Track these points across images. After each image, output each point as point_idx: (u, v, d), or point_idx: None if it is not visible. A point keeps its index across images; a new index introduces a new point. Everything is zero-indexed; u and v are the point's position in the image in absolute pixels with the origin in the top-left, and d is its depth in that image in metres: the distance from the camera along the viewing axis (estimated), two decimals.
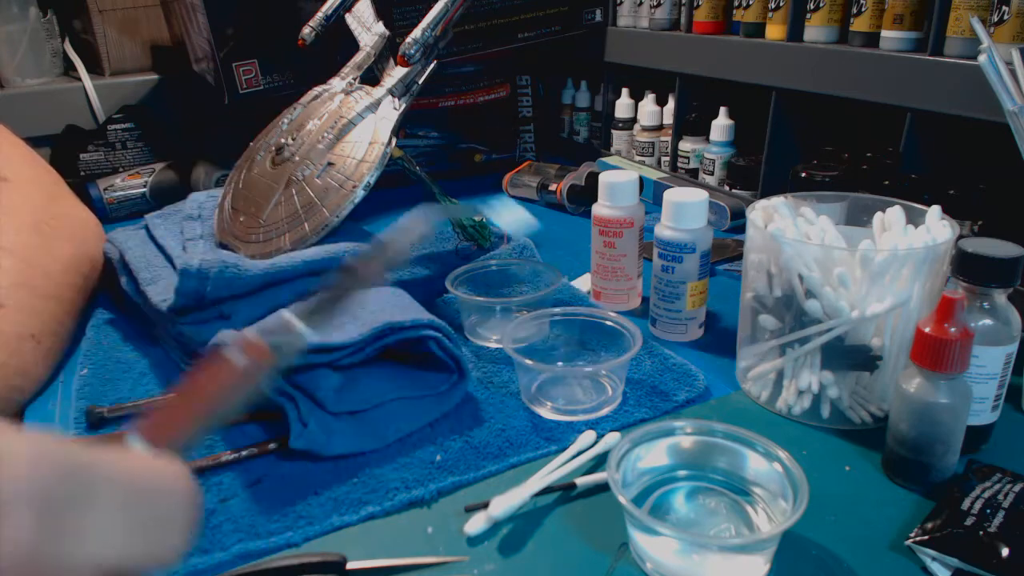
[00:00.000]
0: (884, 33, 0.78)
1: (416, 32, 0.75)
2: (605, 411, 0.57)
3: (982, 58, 0.58)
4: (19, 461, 0.14)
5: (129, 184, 1.05)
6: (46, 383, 0.64)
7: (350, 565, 0.42)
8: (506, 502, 0.46)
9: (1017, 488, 0.46)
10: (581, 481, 0.49)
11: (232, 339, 0.23)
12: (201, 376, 0.21)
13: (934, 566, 0.42)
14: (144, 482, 0.16)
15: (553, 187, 1.05)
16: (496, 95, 1.22)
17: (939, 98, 0.73)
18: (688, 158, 1.10)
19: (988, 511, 0.44)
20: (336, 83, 0.82)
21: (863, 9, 0.80)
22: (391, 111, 0.75)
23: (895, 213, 0.57)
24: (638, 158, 1.19)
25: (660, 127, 1.16)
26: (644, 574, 0.43)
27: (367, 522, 0.47)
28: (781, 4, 0.88)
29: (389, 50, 0.82)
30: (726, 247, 0.88)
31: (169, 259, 0.71)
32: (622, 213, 0.71)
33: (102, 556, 0.14)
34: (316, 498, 0.48)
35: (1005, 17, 0.66)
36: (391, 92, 0.76)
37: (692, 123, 1.09)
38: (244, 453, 0.52)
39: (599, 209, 0.72)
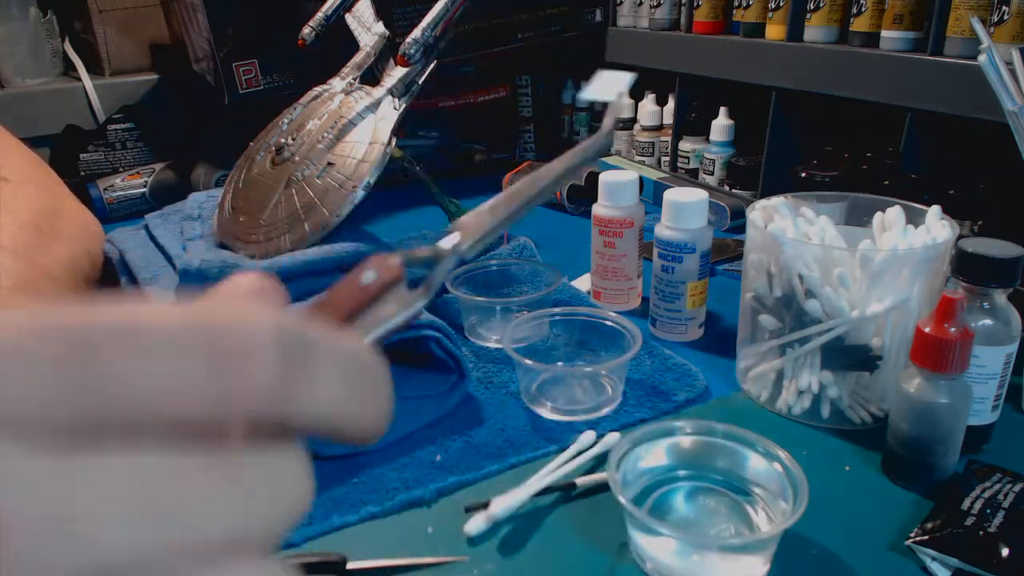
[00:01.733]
0: (884, 33, 0.78)
1: (416, 32, 0.75)
2: (605, 411, 0.57)
3: (982, 58, 0.58)
4: (263, 309, 0.14)
5: (129, 184, 1.05)
6: None
7: (350, 565, 0.42)
8: (506, 502, 0.46)
9: (1017, 488, 0.46)
10: (581, 481, 0.49)
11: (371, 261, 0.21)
12: (335, 291, 0.20)
13: (934, 566, 0.42)
14: (350, 348, 0.16)
15: None
16: (496, 95, 1.22)
17: (939, 98, 0.73)
18: (688, 158, 1.10)
19: (988, 511, 0.44)
20: (336, 83, 0.82)
21: (863, 9, 0.80)
22: (391, 111, 0.75)
23: (895, 213, 0.57)
24: (638, 158, 1.19)
25: (660, 127, 1.16)
26: (644, 574, 0.43)
27: (367, 522, 0.47)
28: (781, 4, 0.88)
29: (389, 50, 0.82)
30: (726, 247, 0.88)
31: (169, 259, 0.71)
32: (622, 213, 0.71)
33: (325, 408, 0.15)
34: (316, 498, 0.48)
35: (1005, 17, 0.66)
36: (391, 92, 0.76)
37: (692, 123, 1.09)
38: None
39: (599, 209, 0.72)
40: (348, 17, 0.86)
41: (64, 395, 0.12)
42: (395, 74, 0.78)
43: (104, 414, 0.12)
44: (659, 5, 1.08)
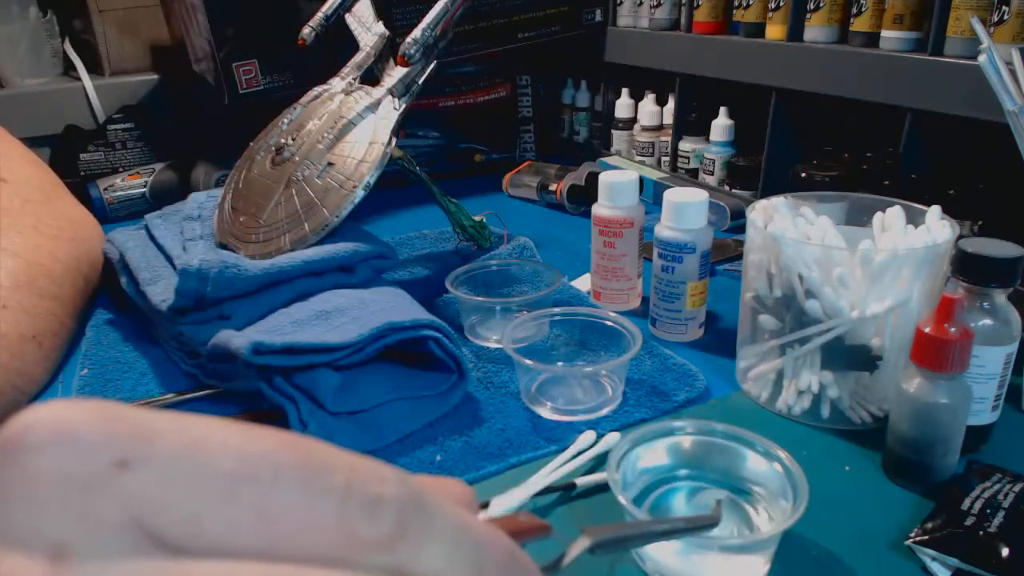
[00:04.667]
0: (884, 33, 0.78)
1: (416, 32, 0.75)
2: (605, 411, 0.57)
3: (982, 58, 0.57)
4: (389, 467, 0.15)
5: (129, 184, 1.05)
6: (46, 384, 0.64)
7: None
8: (506, 502, 0.46)
9: (1017, 488, 0.46)
10: (581, 481, 0.49)
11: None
12: None
13: (934, 566, 0.42)
14: (468, 521, 0.16)
15: (553, 187, 1.05)
16: (496, 95, 1.22)
17: (939, 98, 0.73)
18: (688, 158, 1.10)
19: (988, 511, 0.44)
20: (336, 83, 0.82)
21: (863, 9, 0.80)
22: (391, 111, 0.75)
23: (895, 213, 0.57)
24: (638, 158, 1.19)
25: (660, 127, 1.16)
26: (644, 574, 0.43)
27: None
28: (781, 4, 0.88)
29: (389, 50, 0.82)
30: (726, 247, 0.88)
31: (169, 259, 0.71)
32: (622, 213, 0.71)
33: (432, 571, 0.15)
34: None
35: (1005, 17, 0.66)
36: (391, 92, 0.76)
37: (692, 123, 1.09)
38: None
39: (599, 209, 0.72)
40: (348, 17, 0.86)
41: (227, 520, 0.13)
42: (395, 74, 0.78)
43: (238, 541, 0.13)
44: (659, 5, 1.08)
